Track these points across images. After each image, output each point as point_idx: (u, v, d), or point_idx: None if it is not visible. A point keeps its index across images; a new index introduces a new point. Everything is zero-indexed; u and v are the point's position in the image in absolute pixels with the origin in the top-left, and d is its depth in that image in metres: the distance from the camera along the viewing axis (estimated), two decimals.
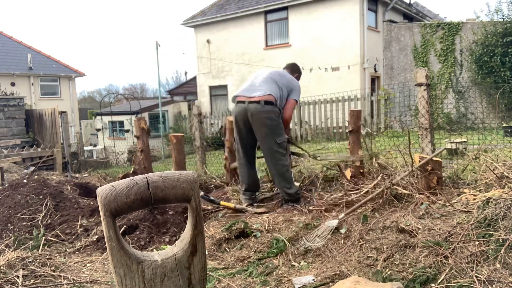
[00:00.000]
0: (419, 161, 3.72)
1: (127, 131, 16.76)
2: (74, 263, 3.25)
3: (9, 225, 4.07)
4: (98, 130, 18.55)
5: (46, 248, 3.59)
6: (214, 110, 17.94)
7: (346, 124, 4.92)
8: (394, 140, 5.43)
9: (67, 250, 3.57)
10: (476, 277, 2.16)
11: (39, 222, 4.05)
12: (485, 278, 2.14)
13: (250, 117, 3.83)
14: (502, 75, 11.03)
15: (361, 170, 4.30)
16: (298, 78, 4.37)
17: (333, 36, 14.76)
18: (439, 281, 2.22)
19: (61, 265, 3.14)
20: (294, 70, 4.42)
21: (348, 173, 4.31)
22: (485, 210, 2.78)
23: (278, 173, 3.85)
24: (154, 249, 3.37)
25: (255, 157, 4.20)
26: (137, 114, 16.12)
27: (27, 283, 2.75)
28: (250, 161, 4.11)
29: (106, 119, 17.92)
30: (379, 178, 3.86)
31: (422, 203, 3.39)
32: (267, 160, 3.97)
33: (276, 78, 4.00)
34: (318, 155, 4.56)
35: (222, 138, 5.32)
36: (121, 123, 18.38)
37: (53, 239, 3.80)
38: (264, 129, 3.79)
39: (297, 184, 4.18)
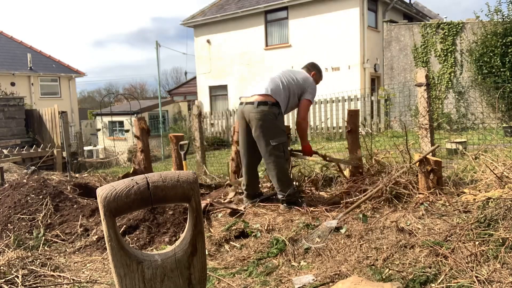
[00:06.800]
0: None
1: (127, 131, 16.76)
2: (74, 263, 3.25)
3: (9, 225, 4.07)
4: (98, 130, 18.56)
5: (46, 248, 3.59)
6: (214, 110, 17.93)
7: (345, 124, 4.83)
8: (394, 140, 5.43)
9: (67, 250, 3.56)
10: (476, 277, 2.16)
11: (39, 222, 4.04)
12: (485, 278, 2.14)
13: (247, 118, 3.78)
14: (502, 75, 11.02)
15: (360, 170, 4.30)
16: (315, 76, 4.25)
17: (333, 36, 14.75)
18: (439, 281, 2.22)
19: (61, 265, 3.15)
20: (310, 68, 4.29)
21: (347, 172, 4.31)
22: (485, 210, 2.79)
23: (273, 175, 3.78)
24: (154, 249, 3.37)
25: (258, 158, 4.04)
26: (137, 114, 16.12)
27: (27, 283, 2.75)
28: (251, 163, 4.01)
29: (106, 119, 17.92)
30: (380, 178, 3.86)
31: (422, 203, 3.39)
32: (264, 161, 3.90)
33: (285, 77, 3.90)
34: (328, 156, 4.40)
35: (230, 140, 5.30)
36: (121, 123, 18.39)
37: (53, 239, 3.79)
38: (257, 130, 3.70)
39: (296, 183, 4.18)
